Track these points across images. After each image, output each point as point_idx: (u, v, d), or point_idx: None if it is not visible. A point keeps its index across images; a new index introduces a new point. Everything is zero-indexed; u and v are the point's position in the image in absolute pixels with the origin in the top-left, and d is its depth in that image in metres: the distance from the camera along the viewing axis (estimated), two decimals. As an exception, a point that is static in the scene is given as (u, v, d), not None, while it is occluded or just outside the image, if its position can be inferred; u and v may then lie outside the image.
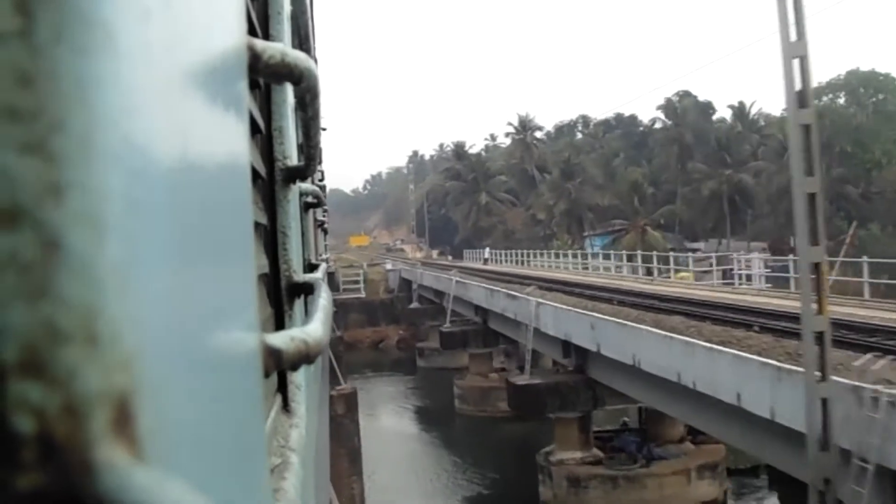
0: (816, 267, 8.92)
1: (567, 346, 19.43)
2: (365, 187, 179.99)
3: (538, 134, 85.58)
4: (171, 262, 0.36)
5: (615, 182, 70.08)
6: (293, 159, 1.63)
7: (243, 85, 0.68)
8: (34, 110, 0.25)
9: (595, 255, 48.11)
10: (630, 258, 40.78)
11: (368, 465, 18.38)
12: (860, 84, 61.65)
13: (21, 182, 0.24)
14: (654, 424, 20.15)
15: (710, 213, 63.54)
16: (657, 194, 67.50)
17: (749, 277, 31.06)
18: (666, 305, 18.40)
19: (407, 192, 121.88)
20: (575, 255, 49.41)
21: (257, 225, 1.25)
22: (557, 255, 51.47)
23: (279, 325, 1.51)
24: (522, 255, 55.06)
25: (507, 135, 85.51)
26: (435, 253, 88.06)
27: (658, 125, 74.46)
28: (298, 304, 1.66)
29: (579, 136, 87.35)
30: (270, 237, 1.51)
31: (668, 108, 70.61)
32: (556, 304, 20.34)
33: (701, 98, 71.62)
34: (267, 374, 0.77)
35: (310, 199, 2.49)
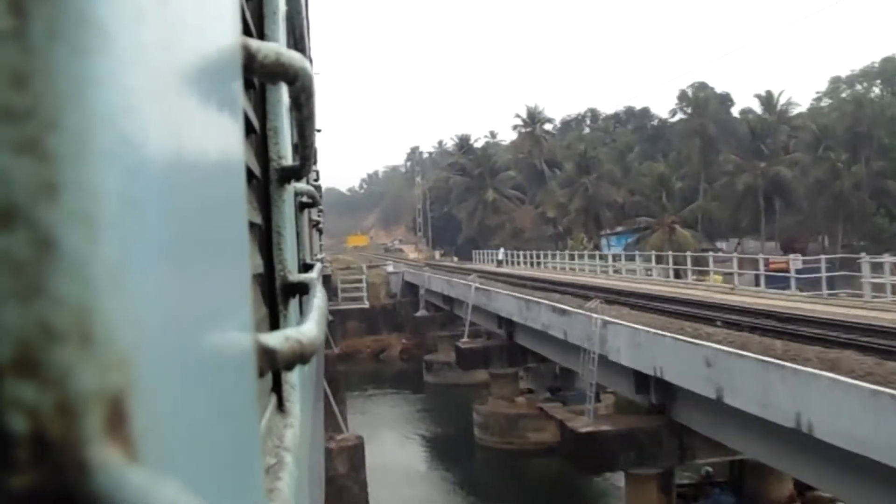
0: None
1: (643, 380, 14.74)
2: (361, 186, 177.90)
3: (547, 127, 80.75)
4: (166, 262, 0.36)
5: (630, 177, 65.72)
6: (288, 159, 1.63)
7: (238, 85, 0.68)
8: (29, 110, 0.25)
9: (623, 257, 41.70)
10: (675, 260, 34.55)
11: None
12: (896, 72, 58.82)
13: (15, 181, 0.24)
14: (753, 478, 16.00)
15: (745, 210, 58.74)
16: (681, 190, 62.24)
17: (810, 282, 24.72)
18: (784, 327, 13.60)
19: (405, 190, 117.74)
20: (603, 258, 44.25)
21: (252, 225, 1.25)
22: (581, 257, 45.96)
23: (274, 324, 1.51)
24: (537, 257, 50.17)
25: (515, 127, 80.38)
26: (438, 254, 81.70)
27: (676, 117, 70.62)
28: (293, 303, 1.66)
29: (587, 130, 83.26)
30: (265, 237, 1.51)
31: (682, 99, 66.97)
32: (633, 325, 15.00)
33: (717, 90, 67.45)
34: (262, 374, 0.77)
35: (305, 199, 2.49)
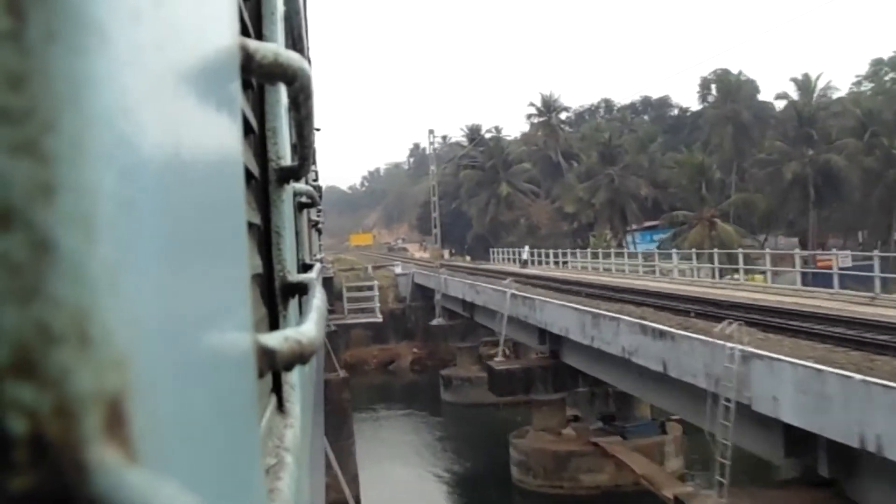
0: None
1: (814, 446, 10.27)
2: (362, 184, 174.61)
3: (563, 116, 74.57)
4: (164, 263, 0.36)
5: (653, 169, 59.83)
6: (287, 159, 1.63)
7: (236, 85, 0.68)
8: (26, 111, 0.25)
9: (675, 256, 35.61)
10: (728, 258, 31.10)
11: None
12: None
13: (13, 183, 0.24)
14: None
15: (792, 202, 52.36)
16: (718, 181, 56.01)
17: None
18: None
19: (408, 187, 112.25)
20: (647, 257, 39.49)
21: (251, 225, 1.25)
22: (616, 255, 41.60)
23: (273, 325, 1.51)
24: (563, 255, 45.60)
25: (529, 116, 73.73)
26: (447, 253, 73.79)
27: (699, 105, 65.37)
28: (293, 304, 1.66)
29: (600, 122, 76.03)
30: (264, 237, 1.51)
31: (704, 86, 62.61)
32: (805, 363, 9.98)
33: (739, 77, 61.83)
34: (261, 375, 0.77)
35: (304, 200, 2.49)
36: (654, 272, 34.57)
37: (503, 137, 75.50)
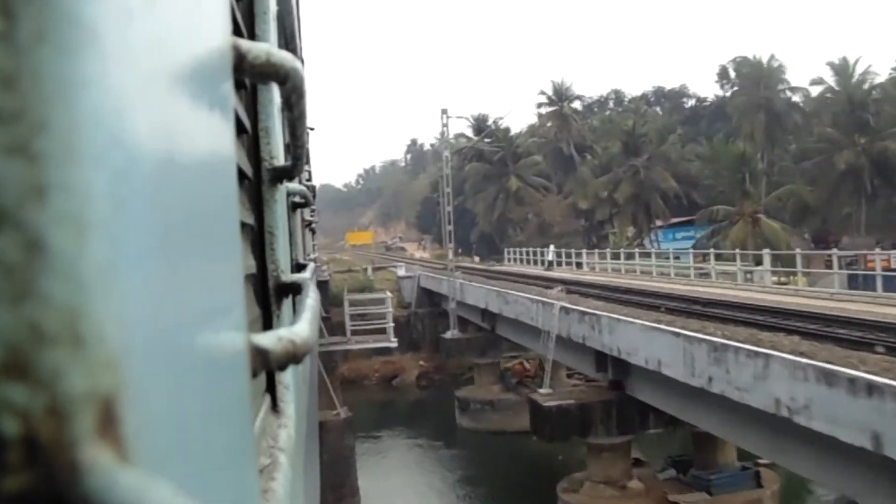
0: None
1: None
2: (357, 182, 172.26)
3: (575, 105, 68.77)
4: (157, 263, 0.36)
5: (672, 162, 54.45)
6: (280, 159, 1.63)
7: (228, 85, 0.68)
8: (17, 111, 0.25)
9: (747, 261, 30.91)
10: (784, 261, 27.83)
11: None
12: None
13: (4, 183, 0.24)
14: None
15: (844, 195, 46.66)
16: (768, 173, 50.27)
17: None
18: None
19: (405, 184, 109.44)
20: (700, 259, 34.70)
21: (244, 225, 1.25)
22: (662, 256, 37.63)
23: (267, 325, 1.51)
24: (586, 256, 41.76)
25: (540, 105, 68.29)
26: (451, 253, 70.36)
27: (717, 94, 61.59)
28: (286, 304, 1.66)
29: (610, 113, 72.14)
30: (258, 237, 1.51)
31: (723, 76, 59.77)
32: None
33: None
34: (255, 375, 0.77)
35: (297, 199, 2.49)
36: (707, 275, 30.11)
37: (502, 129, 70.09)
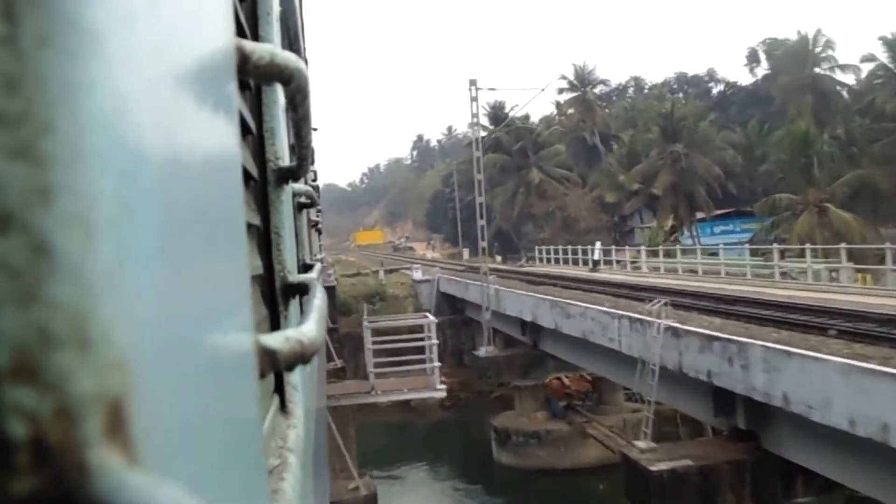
0: None
1: None
2: (362, 181, 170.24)
3: (598, 91, 63.69)
4: (164, 264, 0.36)
5: (710, 149, 48.63)
6: (285, 160, 1.64)
7: (233, 86, 0.68)
8: (21, 114, 0.25)
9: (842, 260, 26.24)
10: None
11: None
12: None
13: (10, 186, 0.24)
14: None
15: None
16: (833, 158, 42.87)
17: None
18: None
19: (412, 182, 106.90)
20: (782, 257, 29.35)
21: (250, 226, 1.25)
22: (721, 253, 33.11)
23: (275, 325, 1.51)
24: (635, 254, 36.96)
25: (561, 91, 62.58)
26: (466, 253, 57.15)
27: (741, 79, 57.78)
28: (293, 304, 1.67)
29: (629, 101, 67.94)
30: (264, 238, 1.51)
31: (752, 59, 56.20)
32: None
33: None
34: (263, 375, 0.77)
35: (303, 200, 2.49)
36: (786, 275, 25.97)
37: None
